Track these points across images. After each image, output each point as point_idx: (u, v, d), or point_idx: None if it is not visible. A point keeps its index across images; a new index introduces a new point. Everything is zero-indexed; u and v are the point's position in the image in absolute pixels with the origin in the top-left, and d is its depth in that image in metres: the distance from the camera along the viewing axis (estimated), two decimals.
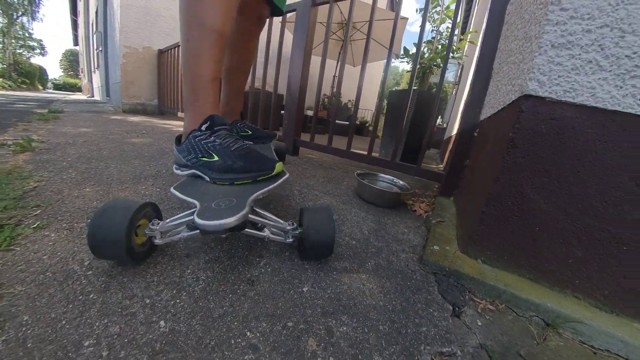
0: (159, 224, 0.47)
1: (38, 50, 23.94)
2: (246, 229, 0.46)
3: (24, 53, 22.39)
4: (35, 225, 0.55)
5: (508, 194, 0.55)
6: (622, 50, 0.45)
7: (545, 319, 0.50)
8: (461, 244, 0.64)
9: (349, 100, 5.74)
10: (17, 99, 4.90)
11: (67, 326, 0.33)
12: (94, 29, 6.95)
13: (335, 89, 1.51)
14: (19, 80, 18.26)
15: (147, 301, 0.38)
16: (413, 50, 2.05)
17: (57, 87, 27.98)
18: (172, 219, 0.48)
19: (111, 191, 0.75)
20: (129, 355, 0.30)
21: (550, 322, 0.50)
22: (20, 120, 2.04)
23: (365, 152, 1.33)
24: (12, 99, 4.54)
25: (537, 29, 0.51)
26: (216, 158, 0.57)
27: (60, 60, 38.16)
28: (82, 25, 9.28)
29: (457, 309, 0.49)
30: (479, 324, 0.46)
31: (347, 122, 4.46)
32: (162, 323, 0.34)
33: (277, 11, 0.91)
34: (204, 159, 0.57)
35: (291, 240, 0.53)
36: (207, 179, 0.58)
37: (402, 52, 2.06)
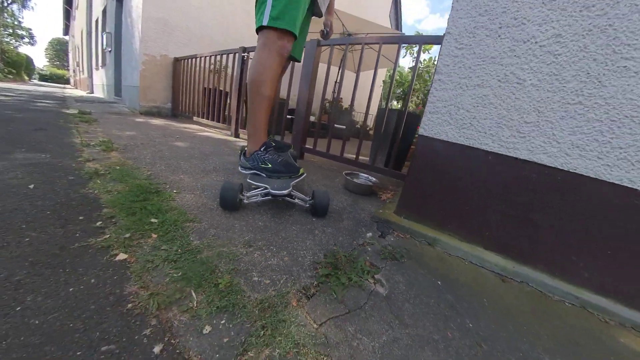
0: (247, 192, 1.10)
1: (27, 40, 24.92)
2: (288, 198, 1.12)
3: (12, 42, 23.30)
4: (175, 192, 1.18)
5: (415, 182, 1.19)
6: (458, 116, 1.10)
7: (428, 242, 1.13)
8: (395, 210, 1.27)
9: (349, 105, 6.40)
10: (29, 95, 5.51)
11: (225, 221, 0.97)
12: (99, 27, 7.63)
13: (336, 94, 2.13)
14: (6, 70, 18.95)
15: (250, 217, 1.02)
16: (405, 72, 2.70)
17: (44, 78, 28.64)
18: (252, 192, 1.10)
19: (197, 178, 1.39)
20: (255, 226, 0.95)
21: (430, 242, 1.13)
22: (64, 121, 2.62)
23: (354, 157, 1.98)
24: (25, 97, 5.14)
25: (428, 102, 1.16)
26: (270, 165, 1.15)
27: (46, 49, 39.06)
28: (84, 20, 9.97)
29: (383, 234, 1.12)
30: (392, 240, 1.10)
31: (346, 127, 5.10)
32: (259, 222, 0.99)
33: (295, 59, 1.57)
34: (262, 165, 1.16)
35: (307, 205, 1.15)
36: (264, 175, 1.16)
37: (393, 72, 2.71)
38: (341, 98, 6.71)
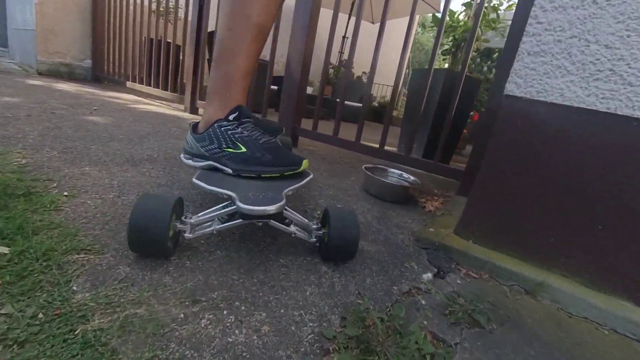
0: (191, 218, 0.74)
1: None
2: (276, 222, 0.76)
3: None
4: (66, 194, 0.93)
5: (492, 178, 0.95)
6: (587, 57, 0.86)
7: (525, 288, 0.90)
8: (456, 228, 1.04)
9: (364, 73, 6.21)
10: None
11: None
12: None
13: (345, 56, 1.93)
14: None
15: (203, 242, 0.80)
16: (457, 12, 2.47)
17: None
18: (203, 213, 0.76)
19: (114, 171, 1.15)
20: (209, 258, 0.71)
21: (530, 290, 0.89)
22: None
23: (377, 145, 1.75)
24: None
25: (519, 39, 0.92)
26: (244, 149, 0.86)
27: None
28: None
29: (441, 272, 0.89)
30: (459, 282, 0.86)
31: (360, 105, 4.91)
32: (218, 251, 0.76)
33: None
34: (229, 149, 0.87)
35: (314, 240, 0.83)
36: (229, 171, 0.87)
37: (437, 16, 2.49)
38: (353, 62, 6.57)
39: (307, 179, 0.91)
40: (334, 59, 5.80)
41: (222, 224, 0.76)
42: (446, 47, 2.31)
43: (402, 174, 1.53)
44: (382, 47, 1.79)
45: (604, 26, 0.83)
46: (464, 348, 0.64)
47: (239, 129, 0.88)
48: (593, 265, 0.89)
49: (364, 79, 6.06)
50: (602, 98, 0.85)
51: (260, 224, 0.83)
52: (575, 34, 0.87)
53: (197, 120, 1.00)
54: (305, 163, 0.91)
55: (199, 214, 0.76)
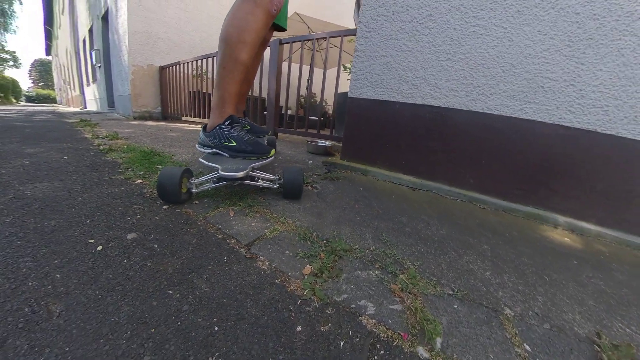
0: (195, 179, 0.86)
1: (12, 62, 23.85)
2: (247, 181, 0.90)
3: None
4: (172, 155, 1.46)
5: (351, 132, 1.51)
6: (374, 79, 1.41)
7: (363, 173, 1.46)
8: (340, 156, 1.60)
9: (320, 99, 6.75)
10: (26, 112, 5.53)
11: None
12: (87, 46, 7.56)
13: (309, 90, 2.55)
14: None
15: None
16: None
17: (30, 99, 27.35)
18: (202, 177, 0.88)
19: (188, 149, 1.67)
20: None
21: (364, 173, 1.46)
22: (70, 127, 2.82)
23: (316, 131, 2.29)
24: (22, 113, 5.18)
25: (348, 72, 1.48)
26: (234, 144, 0.94)
27: (30, 70, 37.31)
28: (69, 39, 9.76)
29: (330, 171, 1.44)
30: (335, 173, 1.42)
31: (316, 118, 5.47)
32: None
33: (280, 28, 1.22)
34: (225, 143, 0.95)
35: (276, 186, 0.96)
36: (227, 155, 0.95)
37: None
38: (314, 93, 7.06)
39: (270, 159, 1.01)
40: (304, 91, 6.31)
41: (214, 184, 0.89)
42: None
43: (324, 142, 2.07)
44: (328, 84, 2.28)
45: (376, 67, 1.39)
46: (322, 183, 1.19)
47: (232, 130, 0.97)
48: (389, 161, 1.44)
49: (324, 103, 6.61)
50: (380, 94, 1.40)
51: (236, 183, 0.97)
52: (368, 70, 1.42)
53: (206, 123, 1.06)
54: (272, 152, 1.01)
55: (200, 178, 0.88)
